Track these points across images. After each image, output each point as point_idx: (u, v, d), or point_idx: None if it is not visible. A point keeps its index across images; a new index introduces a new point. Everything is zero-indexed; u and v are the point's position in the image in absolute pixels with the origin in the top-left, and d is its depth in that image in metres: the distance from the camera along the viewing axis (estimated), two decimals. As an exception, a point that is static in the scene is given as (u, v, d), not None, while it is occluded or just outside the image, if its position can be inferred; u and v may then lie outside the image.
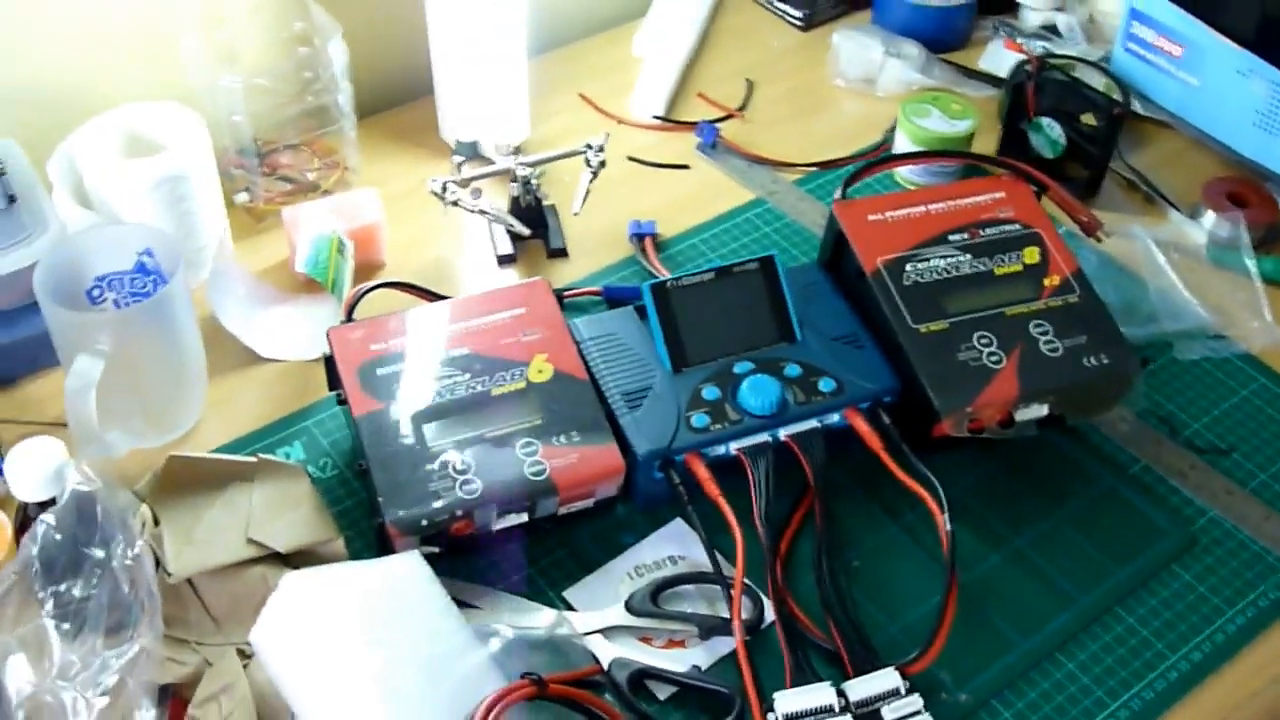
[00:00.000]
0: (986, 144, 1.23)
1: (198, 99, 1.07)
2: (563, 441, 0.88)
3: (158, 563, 0.83)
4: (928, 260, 0.99)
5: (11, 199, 0.99)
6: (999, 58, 1.31)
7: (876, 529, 0.93)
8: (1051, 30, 1.32)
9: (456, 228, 1.11)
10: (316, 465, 0.95)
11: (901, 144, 1.18)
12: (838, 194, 1.03)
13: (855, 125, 1.26)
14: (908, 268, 0.98)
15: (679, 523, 0.92)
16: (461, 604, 0.87)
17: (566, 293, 1.04)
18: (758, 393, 0.92)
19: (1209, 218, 1.15)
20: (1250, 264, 1.11)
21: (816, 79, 1.32)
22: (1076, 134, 1.16)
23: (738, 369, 0.93)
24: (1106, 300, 1.05)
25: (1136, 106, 1.26)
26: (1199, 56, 1.20)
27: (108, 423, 0.93)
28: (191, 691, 0.80)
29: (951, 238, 1.00)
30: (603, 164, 1.09)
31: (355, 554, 0.88)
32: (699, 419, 0.91)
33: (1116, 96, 1.21)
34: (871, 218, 1.01)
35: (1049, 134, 1.17)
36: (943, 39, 1.33)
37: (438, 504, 0.85)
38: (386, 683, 0.75)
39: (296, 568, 0.86)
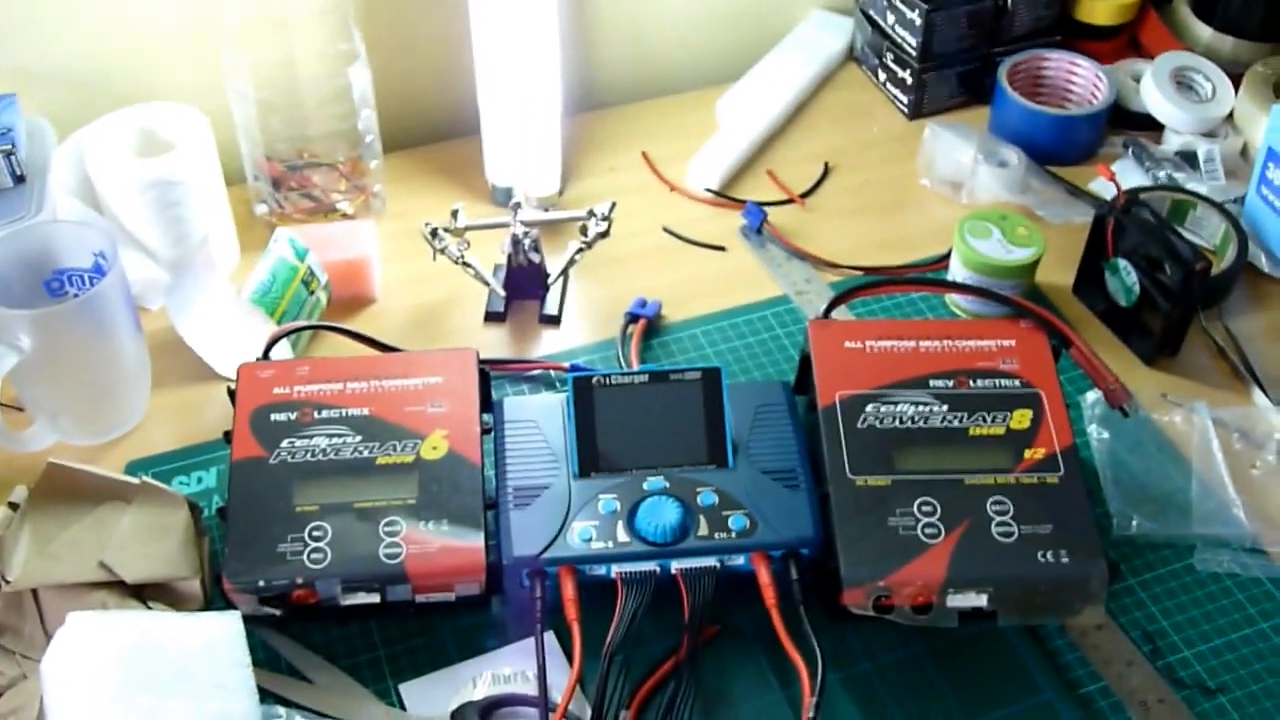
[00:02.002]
0: (1064, 277, 1.09)
1: (227, 106, 1.07)
2: (430, 528, 0.83)
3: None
4: (894, 404, 0.87)
5: (20, 178, 1.01)
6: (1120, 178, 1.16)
7: (760, 692, 0.83)
8: (1189, 159, 1.16)
9: (461, 274, 1.07)
10: (223, 497, 0.93)
11: (954, 265, 1.06)
12: (821, 310, 0.93)
13: (927, 233, 1.14)
14: (868, 408, 0.87)
15: (552, 636, 0.85)
16: (294, 674, 0.84)
17: (510, 365, 0.98)
18: (655, 516, 0.83)
19: (1297, 408, 0.98)
20: (1327, 473, 0.94)
21: (903, 175, 1.20)
22: (1153, 284, 1.00)
23: (648, 485, 0.85)
24: (1135, 486, 0.92)
25: (1261, 262, 1.09)
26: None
27: (36, 416, 0.95)
28: (0, 704, 0.80)
29: (934, 383, 0.89)
30: (602, 234, 1.02)
31: (214, 598, 0.86)
32: (584, 532, 0.83)
33: (1233, 245, 1.06)
34: (848, 344, 0.90)
35: (1124, 279, 1.02)
36: (1060, 150, 1.19)
37: (279, 568, 0.81)
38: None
39: (145, 599, 0.85)
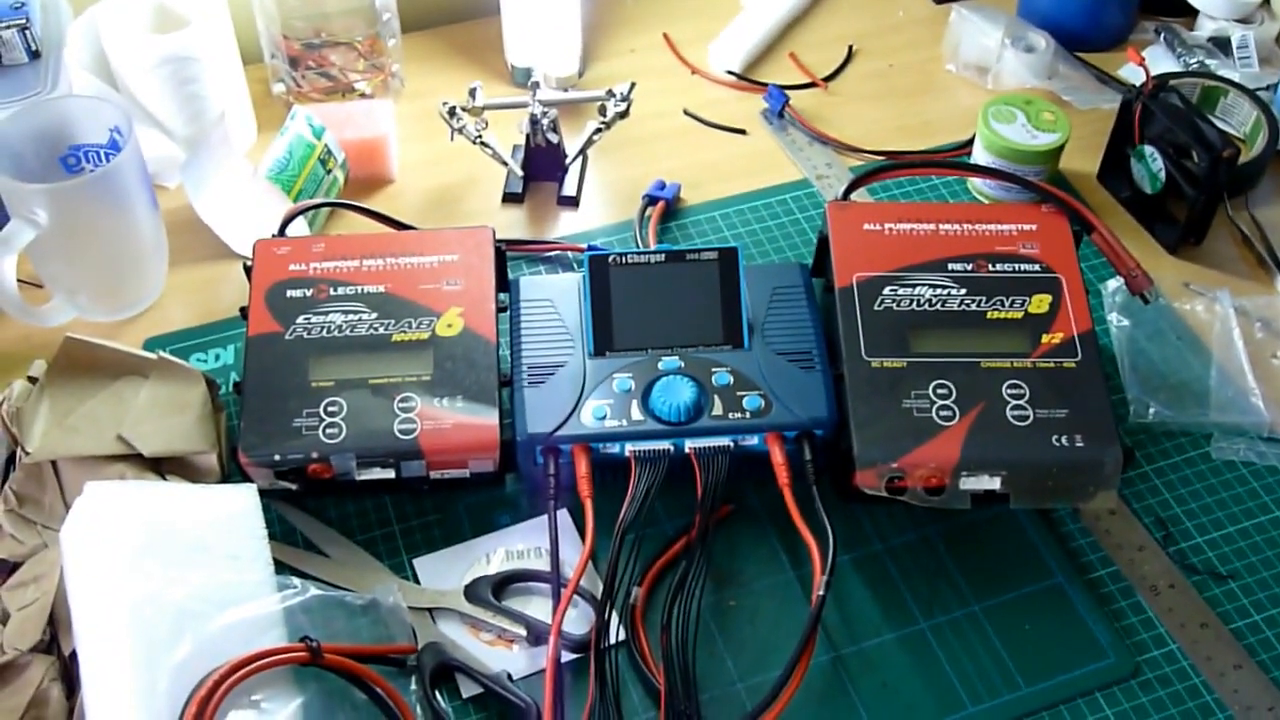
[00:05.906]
0: (1089, 164, 1.07)
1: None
2: (444, 404, 0.83)
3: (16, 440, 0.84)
4: (912, 286, 0.87)
5: (35, 54, 1.00)
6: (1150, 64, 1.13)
7: (771, 571, 0.84)
8: (1222, 45, 1.13)
9: (479, 155, 1.06)
10: (239, 372, 0.93)
11: (977, 150, 1.04)
12: (839, 192, 0.92)
13: (951, 119, 1.12)
14: (885, 290, 0.86)
15: (565, 513, 0.86)
16: (309, 547, 0.85)
17: (527, 245, 0.98)
18: (669, 395, 0.83)
19: (1321, 297, 0.96)
20: (1348, 362, 0.93)
21: (927, 59, 1.18)
22: (1179, 171, 0.99)
23: (663, 364, 0.85)
24: (1153, 373, 0.91)
25: (1291, 150, 1.07)
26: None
27: (54, 292, 0.95)
28: (23, 572, 0.81)
29: (952, 266, 0.88)
30: (622, 115, 1.01)
31: (231, 473, 0.86)
32: (598, 410, 0.83)
33: (1263, 133, 1.04)
34: (867, 226, 0.89)
35: (1149, 165, 1.01)
36: (1089, 35, 1.16)
37: (294, 442, 0.81)
38: (141, 615, 0.72)
39: (162, 473, 0.85)
